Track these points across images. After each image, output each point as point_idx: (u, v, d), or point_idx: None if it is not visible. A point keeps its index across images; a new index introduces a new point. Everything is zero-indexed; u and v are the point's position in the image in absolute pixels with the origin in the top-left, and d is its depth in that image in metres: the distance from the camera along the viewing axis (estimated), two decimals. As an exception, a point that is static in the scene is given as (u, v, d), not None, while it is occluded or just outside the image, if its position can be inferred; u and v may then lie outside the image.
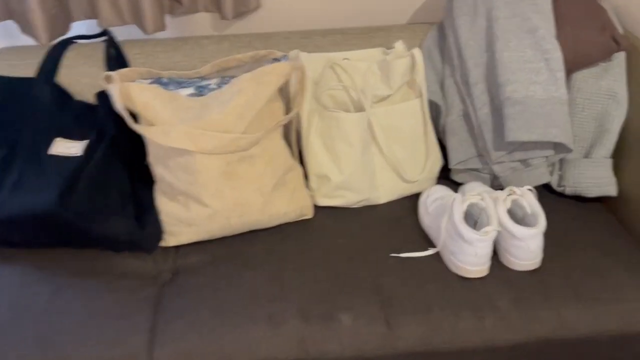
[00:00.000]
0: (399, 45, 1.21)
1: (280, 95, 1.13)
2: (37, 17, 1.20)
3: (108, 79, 0.97)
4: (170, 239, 1.07)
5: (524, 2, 1.12)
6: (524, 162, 1.16)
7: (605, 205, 1.20)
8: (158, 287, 1.01)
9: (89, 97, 1.15)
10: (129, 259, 1.06)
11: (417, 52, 1.16)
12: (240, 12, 1.35)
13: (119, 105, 0.95)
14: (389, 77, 1.16)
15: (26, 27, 1.25)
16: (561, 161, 1.18)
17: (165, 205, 1.06)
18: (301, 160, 1.18)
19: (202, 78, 1.11)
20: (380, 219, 1.15)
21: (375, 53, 1.22)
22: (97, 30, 1.26)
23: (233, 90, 1.00)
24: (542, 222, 1.00)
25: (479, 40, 1.15)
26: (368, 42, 1.24)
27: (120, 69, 1.04)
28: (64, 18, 1.31)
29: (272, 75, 1.01)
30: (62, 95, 1.14)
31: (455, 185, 1.24)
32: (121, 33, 1.43)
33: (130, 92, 0.97)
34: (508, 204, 1.03)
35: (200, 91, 1.05)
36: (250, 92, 0.99)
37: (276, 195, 1.07)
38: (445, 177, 1.25)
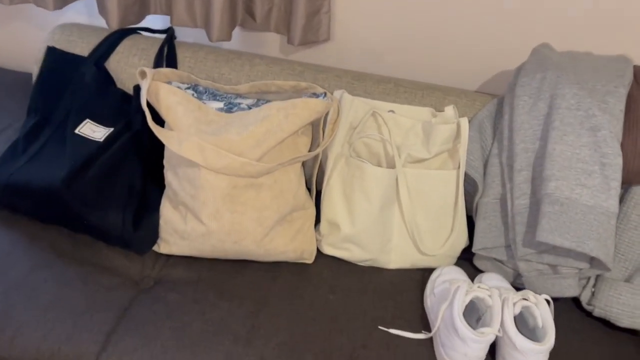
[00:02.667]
0: (449, 110, 1.14)
1: (311, 130, 1.09)
2: (112, 3, 1.23)
3: (142, 74, 0.97)
4: (163, 246, 1.05)
5: (594, 97, 1.02)
6: (553, 267, 1.04)
7: None
8: (135, 292, 0.98)
9: (131, 87, 1.16)
10: (119, 255, 1.04)
11: (463, 122, 1.08)
12: (308, 41, 1.33)
13: (143, 101, 0.94)
14: (429, 140, 1.08)
15: (102, 9, 1.29)
16: (597, 277, 1.06)
17: (167, 212, 1.03)
18: (319, 203, 1.12)
19: (239, 95, 1.09)
20: (382, 285, 1.07)
21: (423, 112, 1.15)
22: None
23: (259, 116, 0.96)
24: (550, 340, 0.88)
25: (535, 125, 1.05)
26: (420, 99, 1.17)
27: (161, 68, 1.03)
28: (140, 9, 1.34)
29: (301, 110, 0.97)
30: (106, 80, 1.16)
31: (474, 271, 1.14)
32: (191, 35, 1.45)
33: (159, 92, 0.96)
34: (517, 309, 0.92)
35: (230, 108, 1.02)
36: (275, 122, 0.95)
37: (277, 231, 1.02)
38: (468, 258, 1.16)
